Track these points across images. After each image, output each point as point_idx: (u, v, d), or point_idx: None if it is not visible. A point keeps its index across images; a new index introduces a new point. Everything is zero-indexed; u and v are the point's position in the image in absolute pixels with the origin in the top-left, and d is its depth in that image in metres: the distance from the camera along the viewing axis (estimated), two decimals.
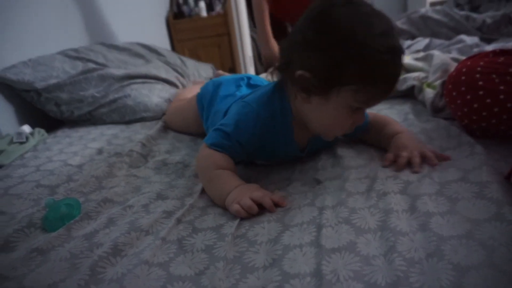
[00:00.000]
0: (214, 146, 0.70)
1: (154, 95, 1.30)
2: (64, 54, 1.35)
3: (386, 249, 0.47)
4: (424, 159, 0.65)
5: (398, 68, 0.60)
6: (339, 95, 0.60)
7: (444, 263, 0.43)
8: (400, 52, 0.59)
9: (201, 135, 1.01)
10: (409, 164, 0.65)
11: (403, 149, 0.67)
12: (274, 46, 1.48)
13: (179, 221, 0.62)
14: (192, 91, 1.22)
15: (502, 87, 0.67)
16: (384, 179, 0.63)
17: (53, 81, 1.23)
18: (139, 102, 1.26)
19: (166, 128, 1.16)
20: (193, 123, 1.05)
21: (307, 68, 0.60)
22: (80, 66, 1.31)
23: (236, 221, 0.60)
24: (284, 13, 1.66)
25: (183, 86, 1.50)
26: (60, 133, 1.21)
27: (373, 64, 0.57)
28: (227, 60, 3.25)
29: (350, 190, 0.62)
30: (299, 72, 0.61)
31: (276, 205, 0.62)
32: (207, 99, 0.97)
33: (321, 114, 0.65)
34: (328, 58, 0.58)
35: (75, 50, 1.40)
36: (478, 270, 0.42)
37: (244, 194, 0.62)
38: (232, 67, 3.22)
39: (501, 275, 0.41)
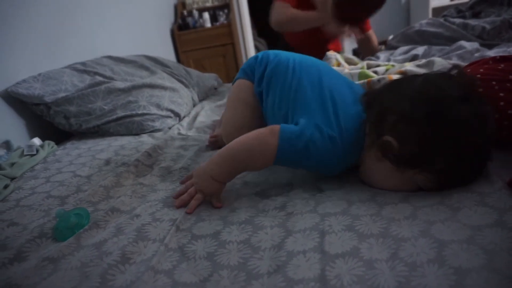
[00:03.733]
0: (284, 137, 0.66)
1: (164, 103, 1.33)
2: (72, 68, 1.39)
3: (388, 255, 0.48)
4: None
5: (474, 177, 0.62)
6: (414, 175, 0.61)
7: (445, 268, 0.44)
8: (483, 169, 0.62)
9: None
10: None
11: None
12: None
13: (177, 228, 0.63)
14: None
15: (502, 94, 0.68)
16: (385, 192, 0.64)
17: (62, 94, 1.26)
18: (146, 117, 1.28)
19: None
20: (253, 114, 0.89)
21: (398, 137, 0.60)
22: (87, 79, 1.34)
23: (234, 227, 0.61)
24: (300, 45, 1.67)
25: (187, 96, 1.52)
26: (69, 145, 1.24)
27: (461, 171, 0.59)
28: (232, 69, 3.29)
29: (352, 200, 0.63)
30: (387, 138, 0.61)
31: None
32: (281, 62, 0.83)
33: (385, 177, 0.64)
34: (427, 145, 0.58)
35: (83, 63, 1.44)
36: (479, 273, 0.42)
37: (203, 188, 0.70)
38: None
39: (502, 278, 0.41)
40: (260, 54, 0.91)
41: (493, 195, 0.56)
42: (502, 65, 0.74)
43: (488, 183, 0.60)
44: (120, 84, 1.33)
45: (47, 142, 1.20)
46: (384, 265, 0.46)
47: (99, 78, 1.36)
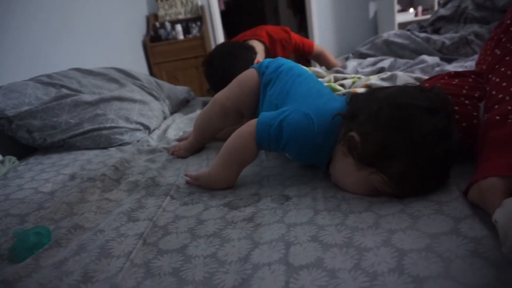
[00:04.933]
0: (260, 128, 0.75)
1: (133, 116, 1.31)
2: (37, 80, 1.35)
3: (351, 265, 0.49)
4: None
5: (430, 188, 0.63)
6: (370, 175, 0.63)
7: (404, 276, 0.45)
8: (444, 178, 0.63)
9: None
10: None
11: None
12: None
13: (144, 241, 0.62)
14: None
15: (456, 108, 0.72)
16: (350, 199, 0.66)
17: (25, 108, 1.22)
18: (115, 130, 1.26)
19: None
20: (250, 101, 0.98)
21: (362, 134, 0.63)
22: (53, 92, 1.31)
23: (202, 240, 0.61)
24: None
25: (158, 109, 1.50)
26: (32, 160, 1.19)
27: (415, 179, 0.60)
28: (205, 81, 3.29)
29: (318, 208, 0.64)
30: (352, 134, 0.65)
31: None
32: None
33: (346, 173, 0.68)
34: (385, 147, 0.61)
35: (49, 76, 1.40)
36: (436, 280, 0.44)
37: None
38: (211, 89, 3.26)
39: (457, 285, 0.43)
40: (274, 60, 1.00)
41: (450, 204, 0.59)
42: (456, 80, 0.78)
43: (446, 192, 0.62)
44: (87, 97, 1.30)
45: (7, 157, 1.15)
46: (347, 275, 0.47)
47: (65, 91, 1.32)
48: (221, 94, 1.00)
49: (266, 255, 0.54)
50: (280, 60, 0.98)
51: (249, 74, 0.99)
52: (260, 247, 0.57)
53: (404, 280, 0.45)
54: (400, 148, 0.60)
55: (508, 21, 0.77)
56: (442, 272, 0.45)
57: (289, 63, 0.96)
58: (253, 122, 0.76)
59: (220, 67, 1.47)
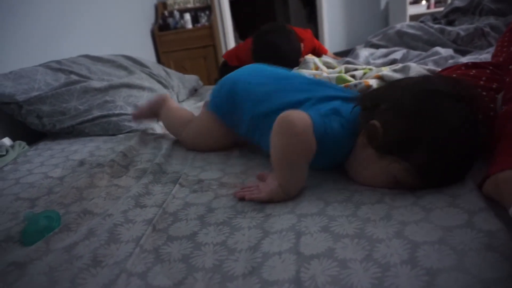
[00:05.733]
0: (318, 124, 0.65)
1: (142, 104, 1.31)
2: (47, 66, 1.35)
3: (363, 256, 0.48)
4: None
5: (454, 180, 0.61)
6: (391, 164, 0.61)
7: (417, 269, 0.45)
8: (467, 170, 0.61)
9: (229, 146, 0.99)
10: None
11: None
12: None
13: (154, 228, 0.62)
14: (175, 107, 1.12)
15: None
16: (362, 191, 0.65)
17: (34, 93, 1.22)
18: (123, 117, 1.26)
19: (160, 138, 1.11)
20: (222, 137, 0.97)
21: (383, 123, 0.62)
22: (62, 78, 1.31)
23: (211, 228, 0.61)
24: None
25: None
26: (41, 145, 1.20)
27: (439, 168, 0.59)
28: (213, 71, 3.28)
29: (329, 200, 0.63)
30: (374, 122, 0.63)
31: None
32: (239, 100, 0.88)
33: (367, 165, 0.66)
34: (408, 133, 0.59)
35: (58, 62, 1.40)
36: (449, 273, 0.43)
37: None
38: (218, 78, 3.24)
39: (471, 278, 0.42)
40: (224, 85, 0.93)
41: (464, 196, 0.58)
42: (474, 71, 0.76)
43: (460, 185, 0.61)
44: (96, 84, 1.30)
45: (18, 142, 1.16)
46: (358, 265, 0.47)
47: (74, 77, 1.32)
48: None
49: (276, 244, 0.54)
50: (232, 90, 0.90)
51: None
52: (270, 236, 0.56)
53: (417, 272, 0.44)
54: (424, 135, 0.58)
55: None
56: (456, 265, 0.44)
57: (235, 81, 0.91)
58: (302, 115, 0.65)
59: (271, 41, 1.51)
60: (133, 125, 1.27)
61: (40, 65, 1.36)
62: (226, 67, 2.16)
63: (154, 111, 1.14)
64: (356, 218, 0.57)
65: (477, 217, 0.52)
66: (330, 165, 0.74)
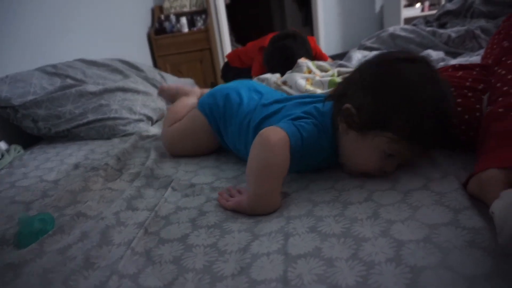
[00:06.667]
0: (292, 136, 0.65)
1: (137, 107, 1.31)
2: (42, 70, 1.36)
3: (348, 255, 0.49)
4: None
5: (438, 136, 0.63)
6: (375, 138, 0.63)
7: (402, 266, 0.46)
8: (447, 121, 0.63)
9: (210, 153, 0.99)
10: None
11: None
12: None
13: (146, 231, 0.63)
14: (185, 104, 1.09)
15: (459, 100, 0.71)
16: (350, 189, 0.66)
17: (30, 97, 1.23)
18: (118, 121, 1.27)
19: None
20: (206, 142, 0.97)
21: (355, 104, 0.65)
22: (58, 82, 1.32)
23: (202, 230, 0.62)
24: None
25: (161, 100, 1.51)
26: (37, 149, 1.21)
27: (417, 124, 0.61)
28: (209, 74, 3.29)
29: (317, 200, 0.64)
30: (346, 105, 0.65)
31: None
32: (228, 110, 0.90)
33: (354, 149, 0.67)
34: (378, 102, 0.62)
35: (54, 66, 1.41)
36: (433, 271, 0.44)
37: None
38: (214, 82, 3.26)
39: (454, 275, 0.43)
40: (220, 99, 0.94)
41: (450, 195, 0.59)
42: (461, 73, 0.78)
43: (446, 183, 0.62)
44: (91, 88, 1.31)
45: (13, 146, 1.16)
46: (344, 264, 0.48)
47: (70, 81, 1.33)
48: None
49: (265, 245, 0.55)
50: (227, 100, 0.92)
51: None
52: (259, 238, 0.57)
53: (402, 270, 0.45)
54: (392, 101, 0.61)
55: None
56: (440, 262, 0.45)
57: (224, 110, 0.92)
58: (276, 131, 0.66)
59: (288, 46, 1.58)
60: (128, 128, 1.28)
61: (36, 69, 1.37)
62: (228, 67, 2.20)
63: (177, 97, 1.16)
64: (343, 217, 0.58)
65: (462, 215, 0.53)
66: (318, 164, 0.75)
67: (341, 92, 0.70)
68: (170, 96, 1.20)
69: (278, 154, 0.63)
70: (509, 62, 0.69)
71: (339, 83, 0.74)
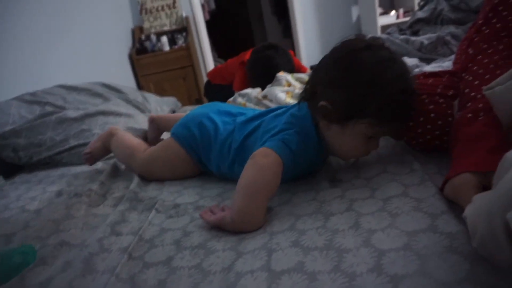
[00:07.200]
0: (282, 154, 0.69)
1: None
2: (20, 99, 1.35)
3: (331, 267, 0.50)
4: None
5: (410, 108, 0.70)
6: (355, 126, 0.69)
7: (382, 276, 0.46)
8: (413, 94, 0.70)
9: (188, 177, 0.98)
10: None
11: None
12: None
13: (130, 256, 0.63)
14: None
15: (431, 107, 0.73)
16: (331, 200, 0.67)
17: (8, 127, 1.22)
18: None
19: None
20: (183, 169, 0.97)
21: (329, 100, 0.69)
22: (37, 110, 1.31)
23: (187, 251, 0.62)
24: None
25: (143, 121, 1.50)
26: (18, 178, 1.19)
27: (389, 104, 0.66)
28: (193, 91, 3.30)
29: (299, 213, 0.65)
30: (321, 103, 0.70)
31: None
32: (205, 138, 0.91)
33: (340, 140, 0.73)
34: (350, 94, 0.67)
35: (33, 94, 1.40)
36: (412, 278, 0.45)
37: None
38: (199, 98, 3.27)
39: (432, 282, 0.44)
40: (194, 128, 0.94)
41: (428, 200, 0.60)
42: (431, 80, 0.80)
43: (423, 189, 0.64)
44: (72, 113, 1.30)
45: None
46: (326, 277, 0.48)
47: (49, 108, 1.32)
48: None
49: (249, 263, 0.55)
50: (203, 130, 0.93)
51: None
52: (243, 256, 0.57)
53: (382, 279, 0.46)
54: (363, 89, 0.66)
55: (480, 21, 0.80)
56: (418, 269, 0.46)
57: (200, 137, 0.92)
58: (267, 153, 0.69)
59: (269, 56, 1.65)
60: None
61: (13, 99, 1.36)
62: (210, 85, 2.22)
63: (106, 145, 1.10)
64: (325, 229, 0.59)
65: (439, 220, 0.54)
66: (306, 169, 0.79)
67: (311, 91, 0.74)
68: (103, 151, 1.13)
69: (269, 176, 0.67)
70: (475, 68, 0.71)
71: (306, 83, 0.77)
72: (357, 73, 0.67)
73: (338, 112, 0.69)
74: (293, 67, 1.72)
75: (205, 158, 0.93)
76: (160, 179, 0.99)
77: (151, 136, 1.22)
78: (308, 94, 0.75)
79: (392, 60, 0.68)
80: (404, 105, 0.68)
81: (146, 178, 1.00)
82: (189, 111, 1.06)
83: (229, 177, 0.87)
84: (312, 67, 2.62)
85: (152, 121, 1.21)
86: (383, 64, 0.67)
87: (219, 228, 0.68)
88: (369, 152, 0.76)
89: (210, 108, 0.99)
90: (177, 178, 0.97)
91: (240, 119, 0.89)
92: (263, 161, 0.68)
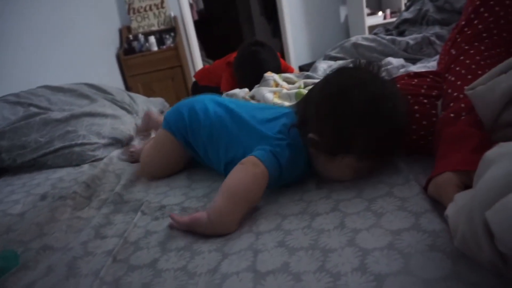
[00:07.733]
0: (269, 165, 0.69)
1: (106, 131, 1.29)
2: (4, 100, 1.32)
3: (316, 267, 0.50)
4: None
5: (397, 145, 0.71)
6: (344, 159, 0.69)
7: (367, 275, 0.47)
8: (402, 132, 0.69)
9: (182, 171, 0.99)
10: None
11: None
12: None
13: (114, 259, 0.62)
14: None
15: (416, 107, 0.74)
16: (317, 200, 0.67)
17: None
18: (87, 147, 1.24)
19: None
20: (174, 156, 0.97)
21: (318, 133, 0.69)
22: (21, 111, 1.28)
23: (172, 253, 0.61)
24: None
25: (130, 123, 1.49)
26: (0, 181, 1.16)
27: (377, 142, 0.67)
28: (182, 91, 3.28)
29: (285, 213, 0.65)
30: (310, 135, 0.70)
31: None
32: (193, 121, 0.91)
33: (328, 167, 0.73)
34: (337, 132, 0.67)
35: (16, 95, 1.37)
36: (396, 277, 0.45)
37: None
38: (191, 96, 3.25)
39: (416, 280, 0.45)
40: (185, 112, 0.94)
41: (412, 199, 0.61)
42: (416, 80, 0.81)
43: (408, 188, 0.65)
44: (57, 115, 1.28)
45: None
46: (312, 277, 0.48)
47: (34, 109, 1.30)
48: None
49: (234, 264, 0.55)
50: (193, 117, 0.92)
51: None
52: (229, 257, 0.57)
53: (367, 278, 0.46)
54: (350, 129, 0.66)
55: (463, 22, 0.81)
56: (402, 268, 0.46)
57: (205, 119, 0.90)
58: (257, 163, 0.69)
59: (254, 50, 1.66)
60: (97, 153, 1.25)
61: None
62: (197, 87, 2.21)
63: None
64: (311, 229, 0.59)
65: (423, 219, 0.55)
66: (293, 179, 0.77)
67: (302, 119, 0.74)
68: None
69: (253, 186, 0.68)
70: (457, 69, 0.72)
71: (299, 105, 0.77)
72: (345, 113, 0.66)
73: (326, 145, 0.69)
74: (279, 65, 1.73)
75: (193, 141, 0.92)
76: (156, 173, 0.98)
77: (140, 127, 1.38)
78: (300, 120, 0.74)
79: (384, 98, 0.66)
80: (393, 141, 0.69)
81: (148, 175, 0.99)
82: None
83: (215, 162, 0.88)
84: (300, 68, 2.62)
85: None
86: (373, 104, 0.65)
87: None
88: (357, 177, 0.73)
89: (206, 96, 1.00)
90: (170, 167, 0.99)
91: (230, 116, 0.87)
92: (252, 170, 0.68)
